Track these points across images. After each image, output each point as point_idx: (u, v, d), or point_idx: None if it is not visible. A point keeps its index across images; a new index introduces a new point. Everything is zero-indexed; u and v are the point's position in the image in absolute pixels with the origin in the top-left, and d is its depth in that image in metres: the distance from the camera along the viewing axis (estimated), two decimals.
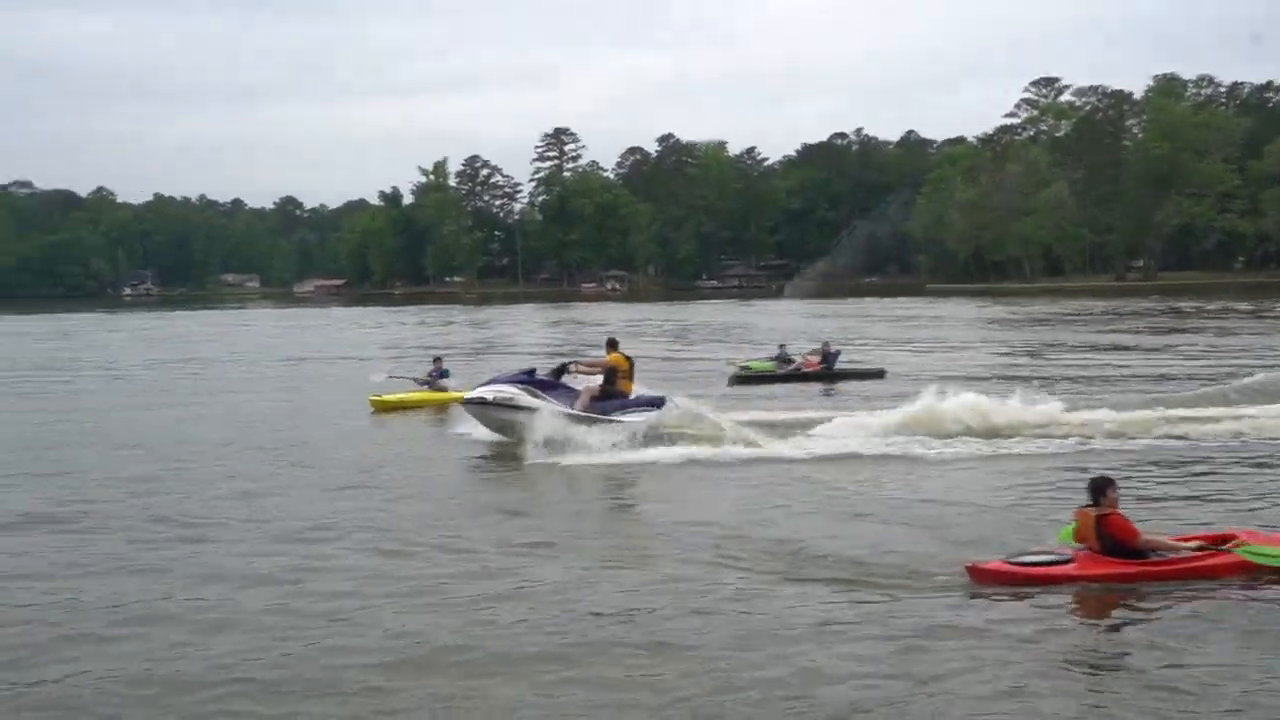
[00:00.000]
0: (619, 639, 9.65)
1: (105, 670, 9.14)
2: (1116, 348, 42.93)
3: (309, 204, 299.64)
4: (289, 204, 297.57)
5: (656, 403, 20.31)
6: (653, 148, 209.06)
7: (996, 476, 16.74)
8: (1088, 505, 11.06)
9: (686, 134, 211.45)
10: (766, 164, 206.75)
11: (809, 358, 33.11)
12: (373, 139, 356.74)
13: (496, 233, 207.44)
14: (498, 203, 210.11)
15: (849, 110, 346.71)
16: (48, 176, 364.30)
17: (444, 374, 27.63)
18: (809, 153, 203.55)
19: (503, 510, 15.20)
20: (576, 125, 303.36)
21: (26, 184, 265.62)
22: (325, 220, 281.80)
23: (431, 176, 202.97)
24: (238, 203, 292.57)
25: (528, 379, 20.39)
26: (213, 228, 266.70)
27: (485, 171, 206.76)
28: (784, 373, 32.19)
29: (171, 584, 11.51)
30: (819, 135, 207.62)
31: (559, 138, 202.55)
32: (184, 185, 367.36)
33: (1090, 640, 9.67)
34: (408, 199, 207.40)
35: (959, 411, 20.39)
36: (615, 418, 19.63)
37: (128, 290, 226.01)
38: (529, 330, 68.89)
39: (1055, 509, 13.53)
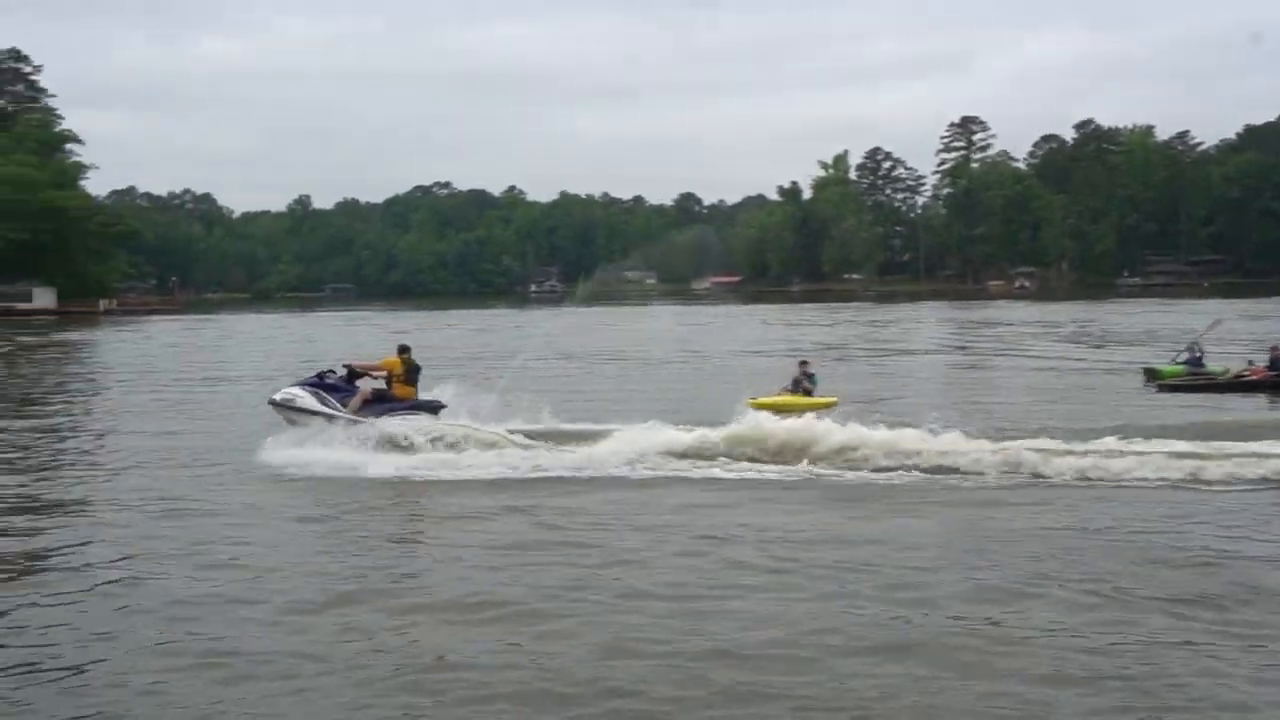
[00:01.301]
0: None
1: None
2: None
3: (708, 200, 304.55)
4: (688, 200, 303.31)
5: (433, 408, 20.27)
6: (1069, 135, 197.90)
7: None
8: None
9: (1107, 119, 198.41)
10: (1200, 149, 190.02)
11: (1256, 366, 29.14)
12: (774, 133, 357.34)
13: (898, 228, 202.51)
14: (899, 196, 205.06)
15: None
16: (467, 177, 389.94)
17: (810, 378, 26.06)
18: (1253, 135, 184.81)
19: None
20: (986, 113, 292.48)
21: (446, 185, 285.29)
22: (723, 215, 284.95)
23: (831, 170, 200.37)
24: (638, 199, 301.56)
25: (318, 382, 20.52)
26: (614, 223, 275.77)
27: (887, 164, 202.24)
28: (1223, 381, 28.57)
29: None
30: (1267, 115, 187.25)
31: (966, 126, 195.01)
32: (589, 183, 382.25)
33: None
34: (807, 194, 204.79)
35: (794, 435, 18.53)
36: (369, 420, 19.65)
37: (534, 286, 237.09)
38: (926, 331, 64.14)
39: None
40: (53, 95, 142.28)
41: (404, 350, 20.79)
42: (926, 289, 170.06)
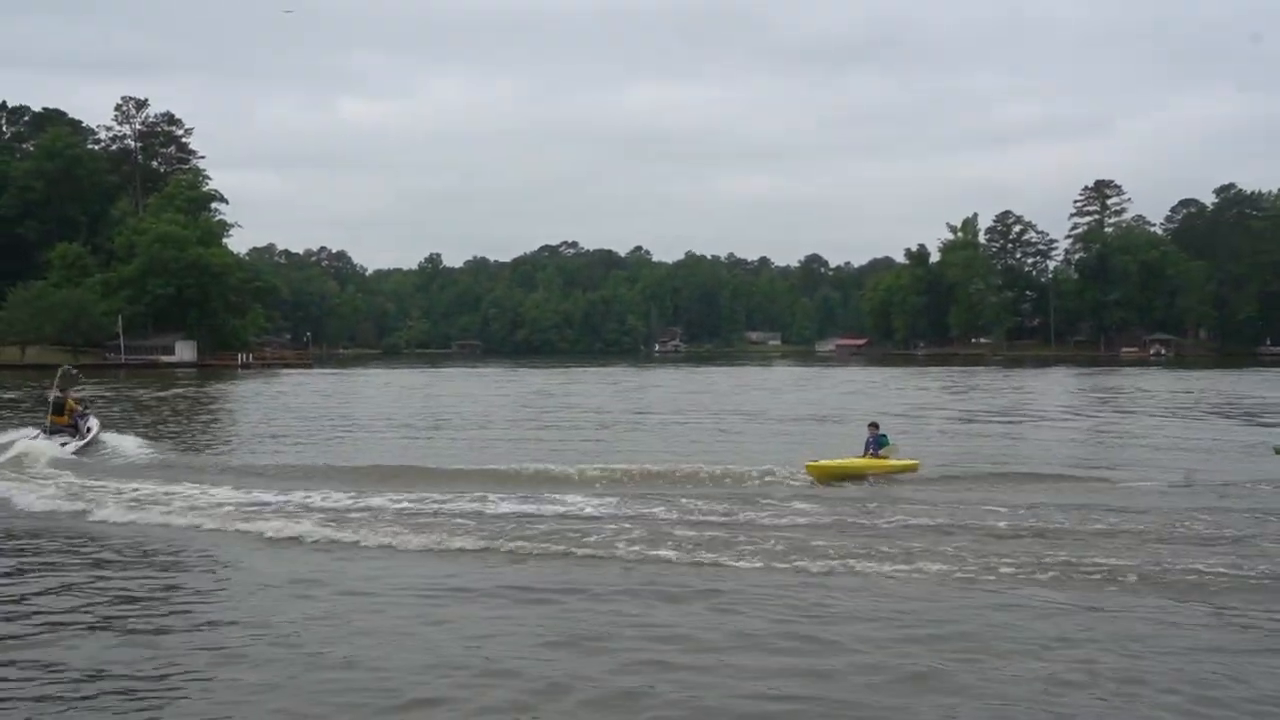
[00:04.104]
0: None
1: None
2: None
3: (833, 261, 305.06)
4: (813, 261, 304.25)
5: None
6: (1209, 199, 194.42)
7: None
8: None
9: (1250, 183, 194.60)
10: None
11: None
12: (903, 196, 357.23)
13: (1028, 292, 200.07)
14: (1030, 260, 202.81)
15: None
16: (593, 237, 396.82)
17: (880, 442, 25.55)
18: None
19: None
20: (1122, 177, 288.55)
21: (573, 244, 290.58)
22: (848, 278, 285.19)
23: (960, 234, 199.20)
24: (764, 260, 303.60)
25: None
26: (739, 285, 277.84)
27: (1018, 228, 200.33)
28: None
29: None
30: None
31: (1100, 190, 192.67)
32: (714, 245, 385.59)
33: None
34: (934, 256, 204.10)
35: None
36: None
37: (658, 346, 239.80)
38: (1055, 398, 63.32)
39: None
40: (202, 157, 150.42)
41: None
42: (1056, 354, 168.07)
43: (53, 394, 30.57)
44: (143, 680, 10.35)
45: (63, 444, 28.24)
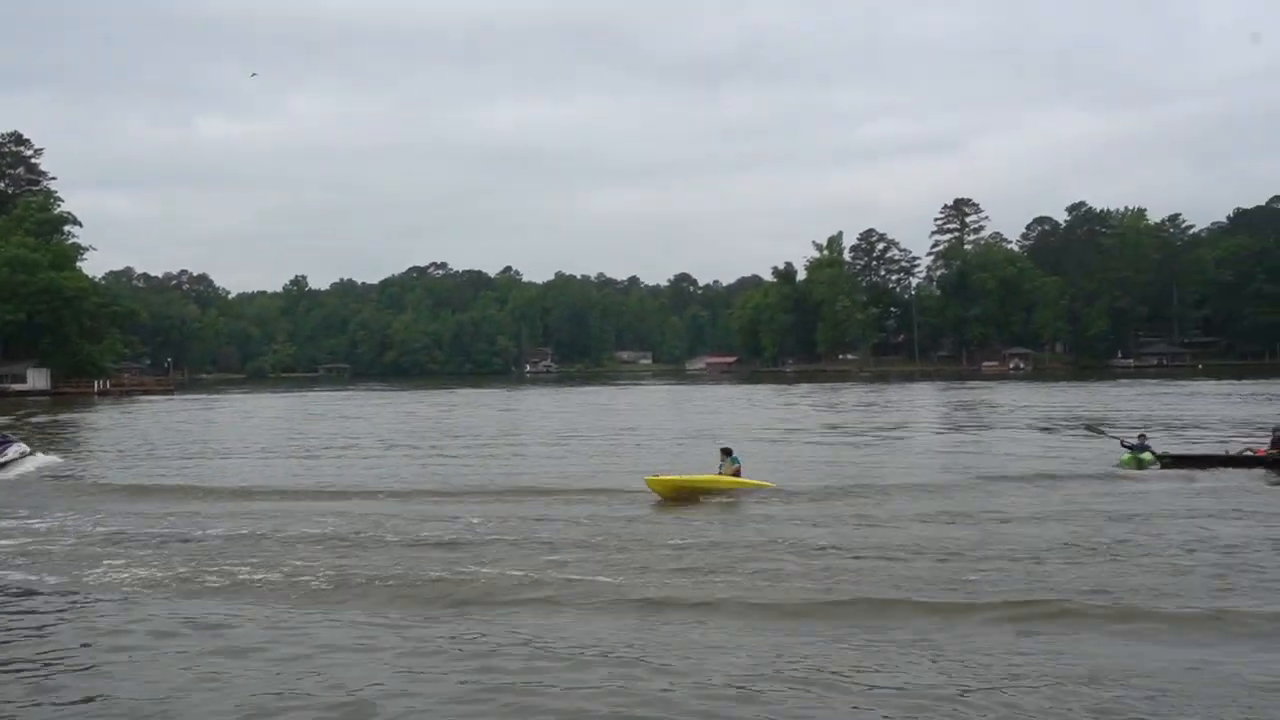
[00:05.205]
0: None
1: None
2: None
3: (702, 280, 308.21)
4: (683, 280, 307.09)
5: None
6: (1062, 217, 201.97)
7: None
8: None
9: (1100, 202, 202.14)
10: (1192, 232, 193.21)
11: (1259, 448, 29.83)
12: (771, 211, 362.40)
13: (892, 308, 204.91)
14: (894, 277, 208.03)
15: None
16: (463, 258, 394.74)
17: (728, 459, 25.66)
18: (1243, 219, 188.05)
19: None
20: (980, 194, 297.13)
21: (442, 265, 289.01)
22: (717, 297, 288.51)
23: (826, 251, 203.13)
24: (634, 280, 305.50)
25: None
26: (608, 304, 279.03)
27: (881, 245, 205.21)
28: (1229, 455, 29.48)
29: None
30: (1257, 199, 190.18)
31: (960, 208, 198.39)
32: (584, 264, 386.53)
33: None
34: (801, 274, 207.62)
35: None
36: None
37: (529, 367, 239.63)
38: (925, 410, 65.42)
39: None
40: (53, 178, 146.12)
41: None
42: (921, 369, 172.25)
43: None
44: None
45: None
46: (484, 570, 16.32)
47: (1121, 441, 30.99)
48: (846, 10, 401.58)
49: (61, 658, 12.42)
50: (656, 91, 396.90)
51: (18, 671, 11.88)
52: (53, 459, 34.58)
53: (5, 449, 32.38)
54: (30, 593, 15.79)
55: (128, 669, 11.89)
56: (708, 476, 25.05)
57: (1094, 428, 37.74)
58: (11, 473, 30.70)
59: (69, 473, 32.75)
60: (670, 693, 10.60)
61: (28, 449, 34.14)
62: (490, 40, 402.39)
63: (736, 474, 25.20)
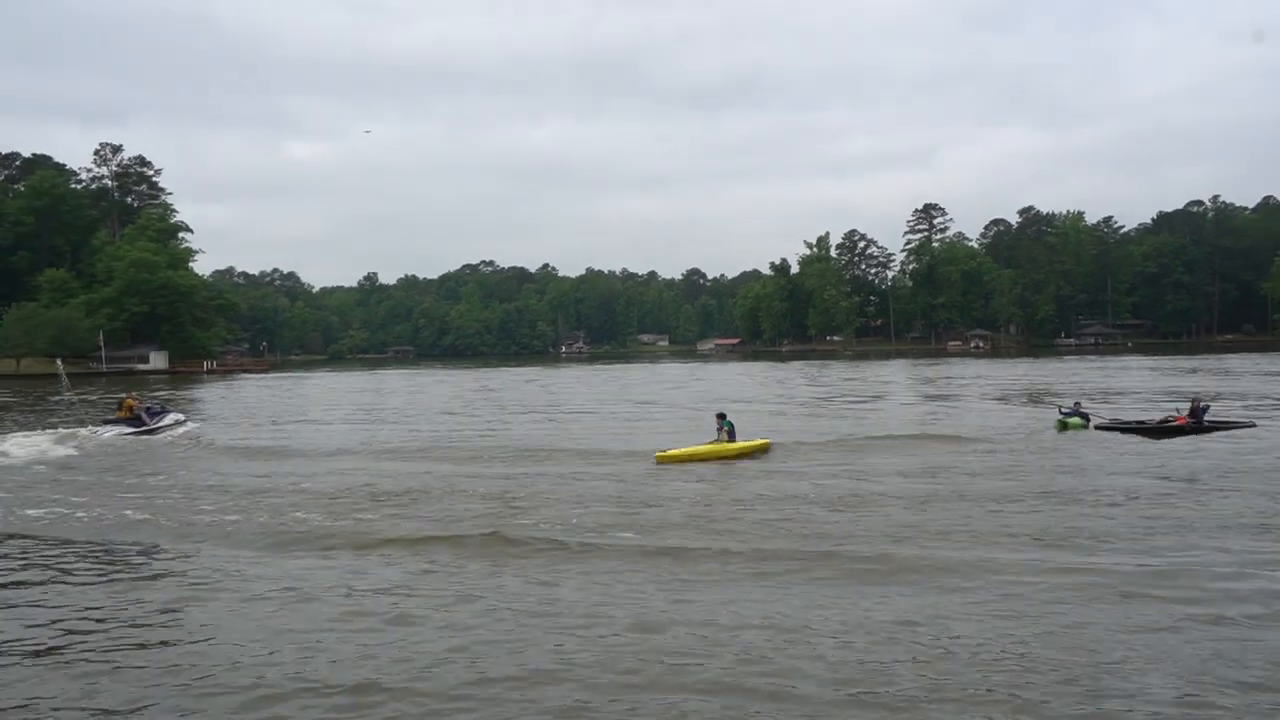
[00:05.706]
0: None
1: None
2: None
3: (711, 273, 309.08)
4: (694, 274, 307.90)
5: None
6: (1014, 219, 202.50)
7: None
8: None
9: (1046, 206, 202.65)
10: (1123, 231, 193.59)
11: (1180, 414, 29.20)
12: (768, 214, 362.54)
13: (872, 297, 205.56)
14: (873, 270, 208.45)
15: (1218, 176, 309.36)
16: (508, 256, 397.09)
17: (723, 426, 25.40)
18: (1165, 220, 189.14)
19: None
20: (944, 200, 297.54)
21: (491, 263, 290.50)
22: (724, 288, 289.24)
23: (815, 249, 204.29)
24: (652, 273, 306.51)
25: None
26: (631, 295, 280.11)
27: (862, 243, 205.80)
28: (1153, 425, 28.49)
29: None
30: (1175, 203, 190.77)
31: (929, 212, 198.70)
32: (610, 260, 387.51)
33: None
34: (794, 269, 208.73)
35: None
36: None
37: (564, 348, 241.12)
38: (897, 383, 66.35)
39: None
40: (169, 193, 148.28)
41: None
42: (896, 349, 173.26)
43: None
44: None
45: (121, 432, 31.32)
46: (550, 523, 16.03)
47: (1059, 409, 30.94)
48: (828, 43, 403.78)
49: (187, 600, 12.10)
50: (666, 115, 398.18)
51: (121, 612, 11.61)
52: (196, 425, 35.51)
53: (164, 417, 33.90)
54: (158, 546, 15.30)
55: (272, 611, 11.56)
56: (710, 446, 24.43)
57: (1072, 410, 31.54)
58: (169, 435, 32.33)
59: (210, 437, 34.06)
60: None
61: (182, 417, 35.36)
62: (523, 73, 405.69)
63: (730, 434, 24.96)
